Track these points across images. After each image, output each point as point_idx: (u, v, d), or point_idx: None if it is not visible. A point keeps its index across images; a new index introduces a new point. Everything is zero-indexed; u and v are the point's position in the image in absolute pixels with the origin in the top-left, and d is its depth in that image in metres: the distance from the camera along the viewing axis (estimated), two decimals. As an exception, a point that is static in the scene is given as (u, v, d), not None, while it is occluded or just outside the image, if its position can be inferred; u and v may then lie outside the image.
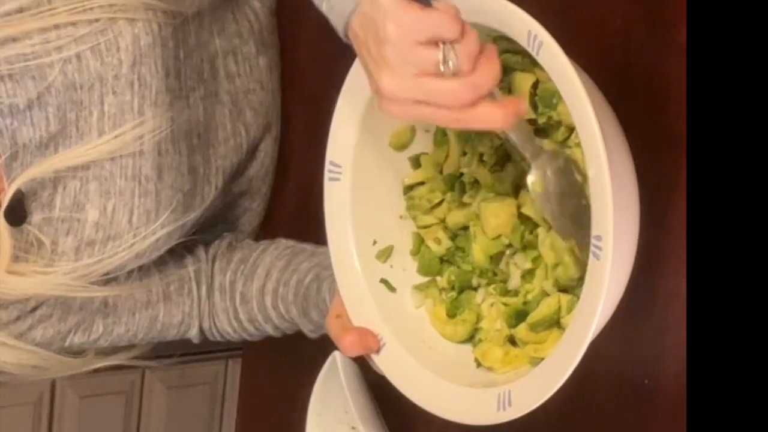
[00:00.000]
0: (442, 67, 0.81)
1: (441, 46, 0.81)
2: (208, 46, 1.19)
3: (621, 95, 0.93)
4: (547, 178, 0.93)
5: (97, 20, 1.06)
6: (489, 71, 0.83)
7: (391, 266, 1.07)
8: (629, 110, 0.93)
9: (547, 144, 0.96)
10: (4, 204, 1.07)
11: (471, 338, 1.03)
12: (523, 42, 0.87)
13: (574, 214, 0.93)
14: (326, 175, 1.05)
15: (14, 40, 1.04)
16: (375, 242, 1.06)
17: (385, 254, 1.06)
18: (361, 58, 0.86)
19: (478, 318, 1.03)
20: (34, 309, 1.12)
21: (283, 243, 1.24)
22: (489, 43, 0.85)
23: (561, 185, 0.93)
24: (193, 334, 1.24)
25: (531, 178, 0.93)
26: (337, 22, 0.88)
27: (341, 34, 0.88)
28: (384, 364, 1.03)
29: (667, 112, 0.95)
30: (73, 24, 1.06)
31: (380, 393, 1.13)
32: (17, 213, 1.08)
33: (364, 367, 1.09)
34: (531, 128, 0.95)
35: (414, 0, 0.82)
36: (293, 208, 1.33)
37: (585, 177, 0.91)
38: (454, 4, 0.83)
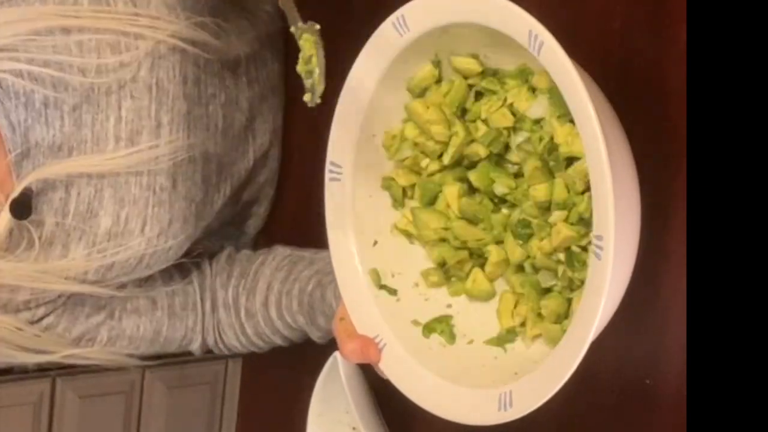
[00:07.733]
0: None
1: None
2: (229, 52, 1.19)
3: (621, 95, 0.93)
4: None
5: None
6: None
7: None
8: (629, 110, 0.93)
9: None
10: (12, 197, 1.05)
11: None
12: (523, 42, 0.87)
13: None
14: (326, 175, 1.05)
15: (37, 33, 1.03)
16: (375, 243, 1.06)
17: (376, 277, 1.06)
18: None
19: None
20: (41, 319, 1.11)
21: (281, 252, 1.24)
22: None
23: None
24: (194, 347, 1.23)
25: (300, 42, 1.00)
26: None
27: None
28: (384, 364, 1.03)
29: (667, 112, 0.95)
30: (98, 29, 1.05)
31: (381, 393, 1.13)
32: (23, 208, 1.06)
33: (364, 367, 1.09)
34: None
35: None
36: (293, 209, 1.33)
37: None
38: None
